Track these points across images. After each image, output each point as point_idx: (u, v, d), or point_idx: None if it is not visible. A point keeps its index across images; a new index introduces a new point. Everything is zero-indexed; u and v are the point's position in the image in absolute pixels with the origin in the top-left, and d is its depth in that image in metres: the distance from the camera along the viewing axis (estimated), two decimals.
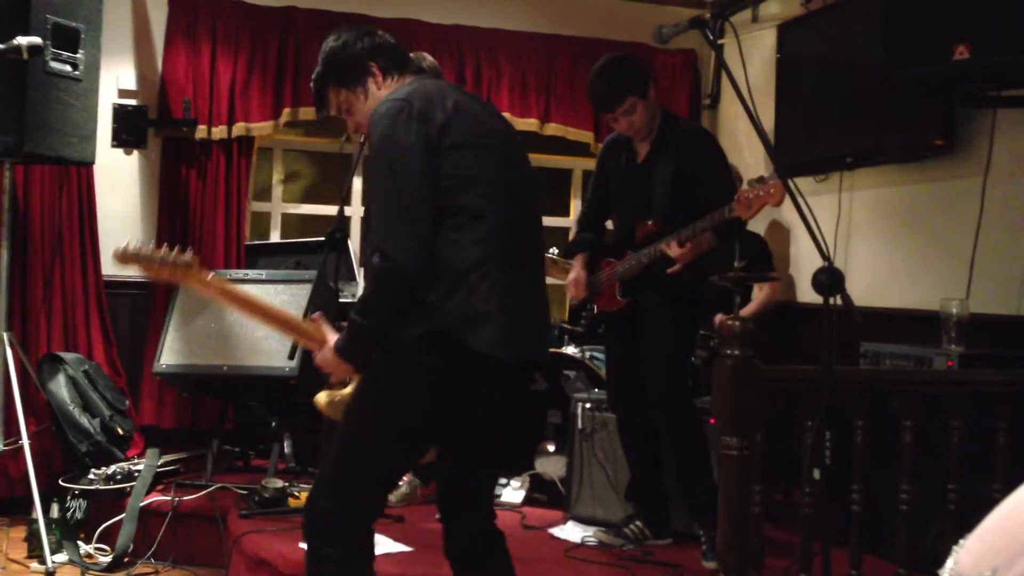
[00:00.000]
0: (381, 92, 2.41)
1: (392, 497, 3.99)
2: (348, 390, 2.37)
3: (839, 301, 2.39)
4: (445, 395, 2.22)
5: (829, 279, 2.36)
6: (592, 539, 3.57)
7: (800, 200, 2.47)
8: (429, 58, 3.89)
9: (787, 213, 4.81)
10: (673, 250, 3.31)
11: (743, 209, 3.09)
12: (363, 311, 2.20)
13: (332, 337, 2.27)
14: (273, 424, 4.39)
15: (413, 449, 2.40)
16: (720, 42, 4.86)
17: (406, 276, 2.13)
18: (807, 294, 4.66)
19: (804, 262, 4.75)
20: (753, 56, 4.95)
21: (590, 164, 5.70)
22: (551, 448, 4.27)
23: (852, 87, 4.14)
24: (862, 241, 4.38)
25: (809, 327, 2.86)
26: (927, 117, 3.79)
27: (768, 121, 4.48)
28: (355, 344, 2.23)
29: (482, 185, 2.22)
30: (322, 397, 2.42)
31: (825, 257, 2.40)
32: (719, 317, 3.86)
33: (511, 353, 2.21)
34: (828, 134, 4.32)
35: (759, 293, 4.65)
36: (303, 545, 3.23)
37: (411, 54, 3.89)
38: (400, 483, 4.11)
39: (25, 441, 3.98)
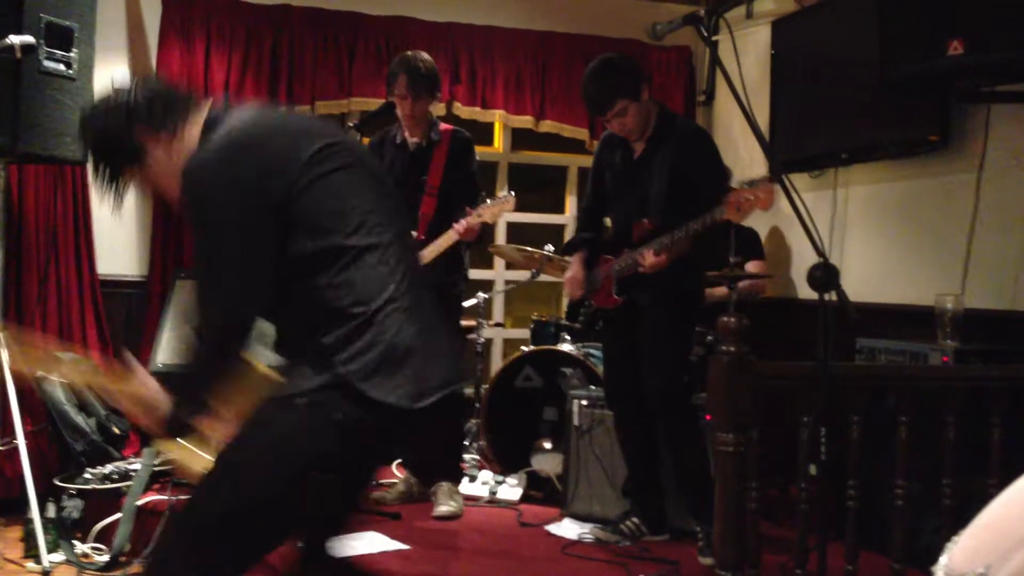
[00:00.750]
0: (181, 147, 1.97)
1: (388, 495, 4.00)
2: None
3: (834, 297, 2.40)
4: (354, 454, 1.90)
5: (824, 275, 2.36)
6: (589, 536, 3.57)
7: (795, 196, 2.47)
8: (425, 56, 3.90)
9: (782, 209, 4.81)
10: (647, 260, 3.33)
11: (732, 212, 3.09)
12: (180, 383, 1.99)
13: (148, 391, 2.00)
14: None
15: (299, 518, 1.98)
16: (714, 39, 4.86)
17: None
18: (803, 290, 4.67)
19: (799, 258, 4.75)
20: (747, 53, 4.95)
21: (585, 161, 5.71)
22: (548, 445, 4.28)
23: (847, 83, 4.15)
24: (857, 237, 4.39)
25: (805, 323, 2.87)
26: (922, 113, 3.80)
27: (763, 118, 4.47)
28: (175, 419, 1.97)
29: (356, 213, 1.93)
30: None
31: (820, 253, 2.40)
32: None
33: (431, 397, 1.89)
34: (823, 130, 4.33)
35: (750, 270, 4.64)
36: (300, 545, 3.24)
37: (408, 52, 3.92)
38: (396, 480, 4.11)
39: (21, 441, 3.97)
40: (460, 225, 3.73)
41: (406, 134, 3.94)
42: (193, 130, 1.98)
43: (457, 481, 4.03)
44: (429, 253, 3.78)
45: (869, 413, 2.65)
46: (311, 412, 1.84)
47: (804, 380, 2.51)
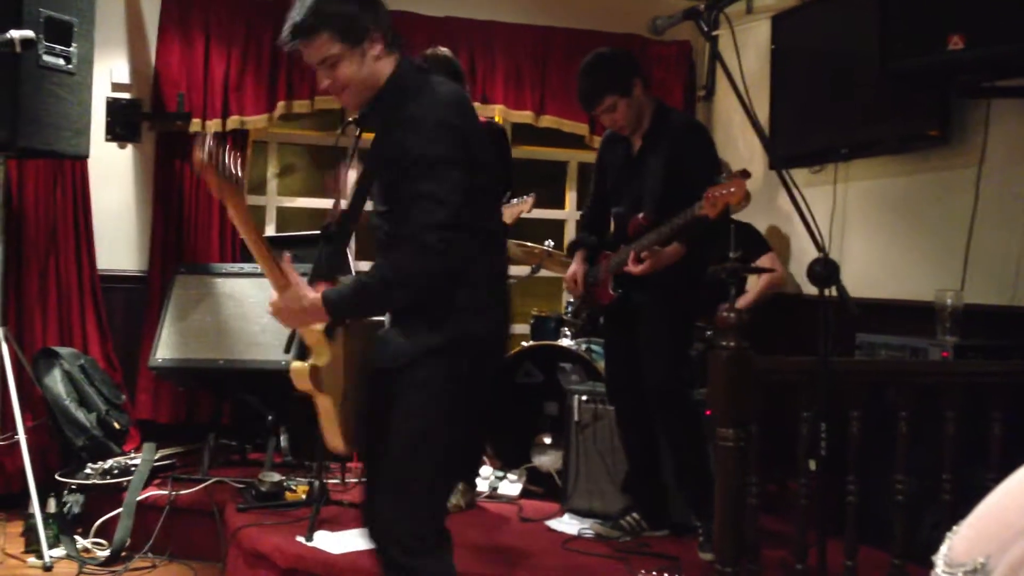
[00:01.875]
0: (378, 64, 2.31)
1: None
2: (321, 360, 2.25)
3: (834, 292, 2.40)
4: (477, 393, 2.34)
5: (824, 270, 2.37)
6: (589, 531, 3.57)
7: (795, 192, 2.47)
8: (444, 50, 3.87)
9: (782, 205, 4.82)
10: (632, 267, 3.34)
11: (709, 207, 3.08)
12: (394, 280, 2.18)
13: (300, 282, 2.23)
14: (269, 418, 4.39)
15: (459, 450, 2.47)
16: (714, 33, 4.83)
17: (445, 271, 2.19)
18: (802, 285, 4.67)
19: (800, 253, 4.75)
20: (748, 47, 4.94)
21: (585, 156, 5.72)
22: (548, 441, 4.28)
23: (847, 78, 4.15)
24: (857, 232, 4.39)
25: (804, 318, 2.87)
26: (922, 108, 3.80)
27: (763, 113, 4.47)
28: (355, 304, 2.22)
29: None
30: (299, 366, 2.26)
31: (820, 248, 2.40)
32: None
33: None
34: (823, 125, 4.32)
35: (758, 281, 4.65)
36: (300, 539, 3.24)
37: (428, 51, 3.90)
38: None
39: (21, 436, 3.97)
40: None
41: None
42: (386, 65, 2.32)
43: (468, 481, 4.00)
44: None
45: (869, 408, 2.66)
46: (450, 361, 2.25)
47: (804, 375, 2.52)
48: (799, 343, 4.48)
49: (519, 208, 3.77)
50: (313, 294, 2.21)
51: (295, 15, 2.28)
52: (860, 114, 4.07)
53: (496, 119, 5.60)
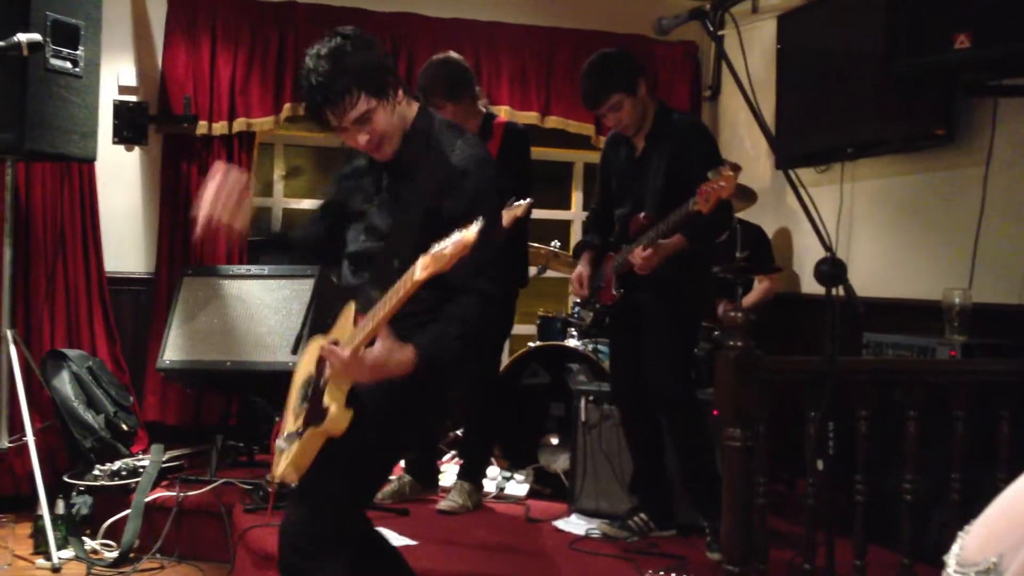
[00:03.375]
0: (402, 108, 2.32)
1: (380, 494, 4.00)
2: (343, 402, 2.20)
3: (841, 292, 2.39)
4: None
5: (831, 270, 2.36)
6: (596, 532, 3.57)
7: (802, 191, 2.47)
8: (434, 60, 3.88)
9: (789, 204, 4.81)
10: (635, 258, 3.34)
11: (702, 202, 3.09)
12: (465, 333, 2.18)
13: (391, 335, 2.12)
14: (276, 419, 4.39)
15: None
16: (720, 33, 4.84)
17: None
18: (809, 285, 4.66)
19: (806, 253, 4.75)
20: (753, 47, 4.94)
21: (591, 157, 5.71)
22: (555, 441, 4.28)
23: (853, 77, 4.14)
24: (864, 231, 4.38)
25: (811, 318, 2.87)
26: (928, 107, 3.79)
27: (769, 112, 4.47)
28: (438, 361, 2.16)
29: None
30: (347, 413, 2.18)
31: (827, 248, 2.40)
32: (722, 307, 3.88)
33: None
34: (829, 125, 4.32)
35: (759, 284, 4.66)
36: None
37: (436, 57, 3.90)
38: (391, 480, 4.11)
39: (30, 438, 3.99)
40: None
41: None
42: (411, 109, 2.37)
43: (475, 482, 4.00)
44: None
45: (877, 408, 2.65)
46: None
47: (811, 375, 2.51)
48: (804, 343, 4.48)
49: (513, 212, 3.73)
50: (407, 351, 2.12)
51: (317, 77, 2.20)
52: (866, 113, 4.06)
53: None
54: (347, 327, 2.23)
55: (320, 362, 2.27)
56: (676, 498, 3.60)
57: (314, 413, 2.21)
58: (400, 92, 2.31)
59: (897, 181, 4.24)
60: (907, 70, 3.34)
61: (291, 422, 2.37)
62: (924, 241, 4.07)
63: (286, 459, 2.27)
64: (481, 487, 4.02)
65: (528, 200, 3.69)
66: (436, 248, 1.95)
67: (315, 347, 2.37)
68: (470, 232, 1.93)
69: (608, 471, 3.84)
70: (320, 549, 2.25)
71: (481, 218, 2.00)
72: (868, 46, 3.79)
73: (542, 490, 4.18)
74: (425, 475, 4.09)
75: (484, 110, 4.00)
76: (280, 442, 2.35)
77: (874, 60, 3.63)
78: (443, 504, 3.83)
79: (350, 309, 2.27)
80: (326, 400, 2.18)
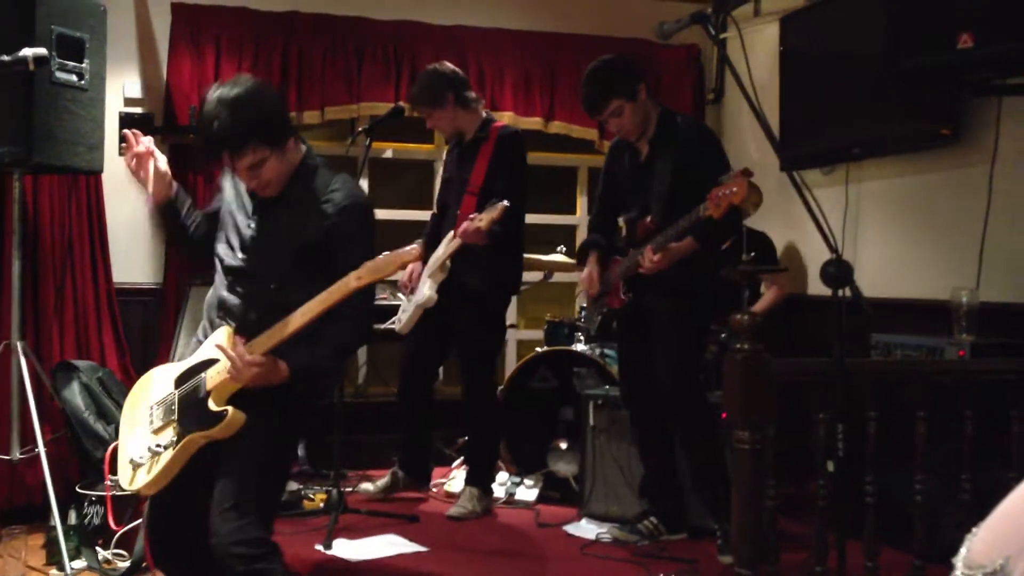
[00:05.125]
0: (290, 154, 2.53)
1: (372, 488, 4.03)
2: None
3: (848, 293, 2.40)
4: None
5: (838, 271, 2.37)
6: (607, 536, 3.58)
7: (807, 193, 2.48)
8: (429, 69, 3.94)
9: (794, 207, 4.81)
10: (645, 261, 3.35)
11: (713, 208, 3.10)
12: (336, 355, 2.55)
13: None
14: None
15: None
16: (722, 36, 4.85)
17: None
18: (816, 286, 4.66)
19: (812, 255, 4.75)
20: (756, 50, 4.95)
21: (595, 161, 5.72)
22: (563, 446, 4.28)
23: (856, 78, 4.14)
24: (870, 232, 4.38)
25: (818, 319, 2.87)
26: (933, 107, 3.79)
27: (773, 115, 4.47)
28: (309, 376, 2.47)
29: None
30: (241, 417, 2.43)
31: (833, 249, 2.40)
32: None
33: None
34: (834, 126, 4.32)
35: (767, 293, 4.65)
36: (319, 547, 3.26)
37: (431, 67, 3.96)
38: (385, 476, 4.15)
39: (41, 449, 4.00)
40: (459, 229, 3.74)
41: (464, 133, 4.01)
42: (298, 152, 2.57)
43: (483, 487, 4.01)
44: (436, 259, 3.80)
45: (886, 408, 2.65)
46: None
47: (820, 377, 2.51)
48: (813, 344, 4.48)
49: (490, 213, 3.67)
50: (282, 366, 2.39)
51: (218, 124, 2.38)
52: (871, 114, 4.06)
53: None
54: (224, 345, 2.41)
55: (184, 378, 2.50)
56: (687, 501, 3.60)
57: (199, 419, 2.41)
58: (292, 140, 2.53)
59: (903, 181, 4.24)
60: (910, 70, 3.34)
61: (146, 436, 2.52)
62: (931, 241, 4.06)
63: (150, 471, 2.46)
64: (490, 491, 4.03)
65: (504, 203, 3.63)
66: (371, 263, 2.28)
67: (160, 371, 2.63)
68: (405, 251, 2.28)
69: (618, 475, 3.84)
70: (264, 549, 2.40)
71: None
72: (871, 47, 3.80)
73: (552, 495, 4.18)
74: (415, 470, 4.12)
75: (484, 115, 4.02)
76: (135, 457, 2.51)
77: (878, 60, 3.63)
78: (453, 510, 3.84)
79: (222, 331, 2.48)
80: (215, 406, 2.40)
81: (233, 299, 2.54)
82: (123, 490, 4.10)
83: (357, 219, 2.51)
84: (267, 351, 2.36)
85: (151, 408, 2.56)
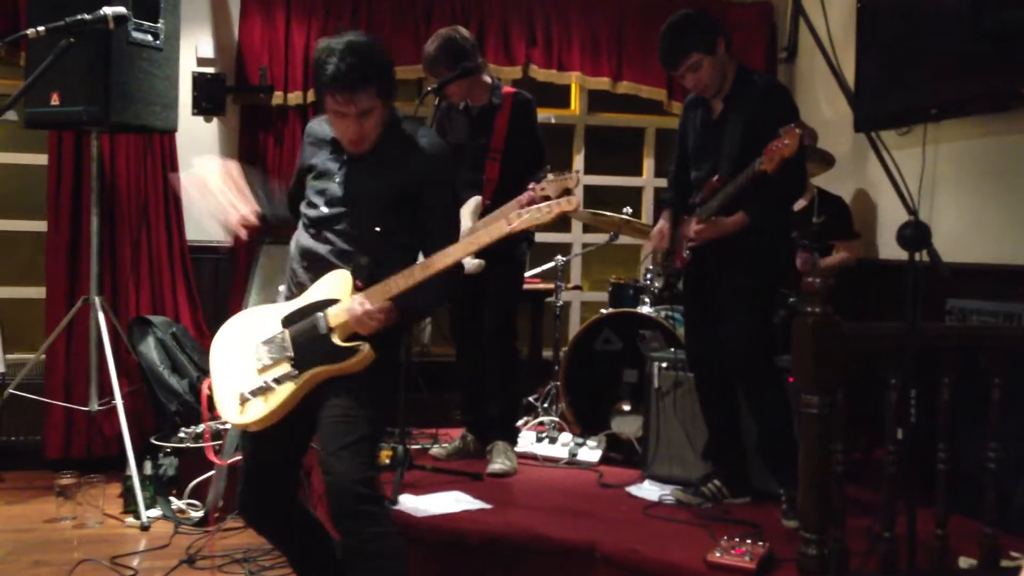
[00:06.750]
0: (387, 113, 2.65)
1: (443, 451, 4.09)
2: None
3: (926, 257, 2.34)
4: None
5: (915, 233, 2.31)
6: (669, 498, 3.57)
7: (884, 153, 2.42)
8: (441, 33, 3.90)
9: (869, 168, 4.70)
10: (692, 228, 3.35)
11: (768, 162, 3.10)
12: (438, 299, 2.68)
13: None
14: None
15: None
16: None
17: None
18: (890, 250, 4.56)
19: (887, 218, 4.64)
20: (831, 6, 4.80)
21: (663, 122, 5.65)
22: (627, 408, 4.28)
23: (937, 35, 3.99)
24: (947, 195, 4.26)
25: (891, 284, 2.81)
26: (1016, 65, 3.65)
27: (848, 74, 4.35)
28: (412, 315, 2.68)
29: None
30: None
31: (911, 211, 2.35)
32: (800, 259, 3.83)
33: None
34: (912, 86, 4.19)
35: (836, 253, 4.56)
36: (386, 502, 3.32)
37: (443, 31, 3.93)
38: (454, 439, 4.20)
39: (119, 401, 4.14)
40: (523, 198, 3.76)
41: (468, 100, 3.99)
42: (388, 114, 2.66)
43: (512, 440, 4.07)
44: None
45: (960, 375, 2.59)
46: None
47: (893, 341, 2.47)
48: (883, 310, 4.39)
49: (563, 183, 3.70)
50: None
51: (346, 62, 2.49)
52: (951, 73, 3.93)
53: (572, 86, 5.59)
54: (341, 288, 2.57)
55: (293, 318, 2.59)
56: (751, 465, 3.57)
57: (324, 354, 2.52)
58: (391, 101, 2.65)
59: (982, 143, 4.11)
60: (994, 25, 3.22)
61: (253, 374, 2.59)
62: (1010, 204, 3.94)
63: (267, 403, 2.54)
64: (515, 440, 4.13)
65: (575, 173, 3.76)
66: (525, 212, 2.54)
67: (255, 313, 2.71)
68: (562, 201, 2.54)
69: (681, 437, 3.83)
70: (374, 490, 2.50)
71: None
72: (952, 2, 3.66)
73: (615, 456, 4.19)
74: (480, 430, 4.15)
75: (490, 80, 4.00)
76: (245, 392, 2.57)
77: (959, 16, 3.51)
78: (495, 467, 3.87)
79: (339, 274, 2.59)
80: (340, 342, 2.52)
81: (320, 247, 2.64)
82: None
83: (444, 165, 2.71)
84: (388, 299, 2.52)
85: (257, 347, 2.61)
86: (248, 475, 2.68)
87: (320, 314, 2.56)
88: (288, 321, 2.61)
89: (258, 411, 2.55)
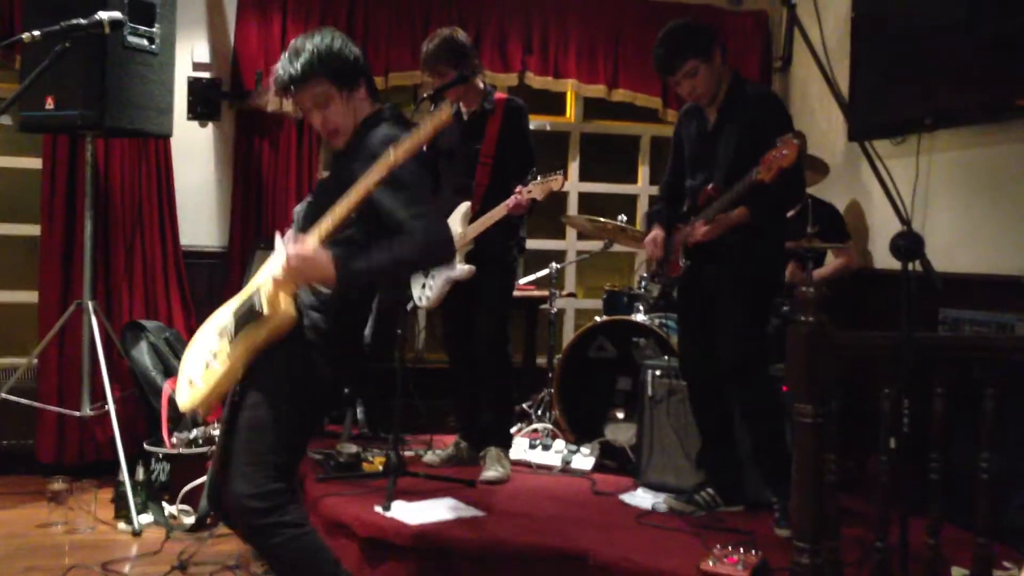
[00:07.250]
0: (360, 105, 2.59)
1: (435, 458, 4.08)
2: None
3: (918, 266, 2.34)
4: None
5: (908, 243, 2.31)
6: (663, 506, 3.57)
7: (877, 162, 2.42)
8: (440, 33, 3.91)
9: (863, 177, 4.71)
10: (697, 229, 3.36)
11: (765, 171, 3.09)
12: (391, 263, 2.42)
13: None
14: (346, 391, 4.46)
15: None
16: (793, 1, 4.75)
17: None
18: (883, 260, 4.57)
19: (880, 228, 4.64)
20: (827, 16, 4.81)
21: (658, 130, 5.66)
22: (621, 415, 4.28)
23: (931, 45, 4.01)
24: (941, 205, 4.27)
25: (884, 294, 2.82)
26: (1010, 75, 3.66)
27: (842, 83, 4.37)
28: (361, 278, 2.43)
29: None
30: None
31: (904, 221, 2.35)
32: (791, 270, 3.83)
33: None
34: (906, 95, 4.20)
35: (834, 260, 4.57)
36: (378, 509, 3.31)
37: (442, 30, 3.94)
38: (447, 446, 4.19)
39: (111, 406, 4.13)
40: (510, 201, 3.85)
41: (460, 105, 4.00)
42: (364, 104, 2.60)
43: (506, 448, 4.07)
44: (479, 225, 3.86)
45: (954, 385, 2.59)
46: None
47: (887, 351, 2.47)
48: (877, 319, 4.39)
49: (548, 184, 3.82)
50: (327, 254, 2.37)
51: (290, 55, 2.51)
52: (945, 83, 3.94)
53: (568, 93, 5.60)
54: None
55: (241, 305, 2.55)
56: (744, 473, 3.57)
57: (253, 316, 2.46)
58: (363, 90, 2.59)
59: (976, 153, 4.12)
60: (989, 36, 3.23)
61: (201, 360, 2.58)
62: (1004, 215, 3.95)
63: (203, 386, 2.53)
64: (508, 447, 4.11)
65: (561, 172, 3.86)
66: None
67: (218, 311, 2.66)
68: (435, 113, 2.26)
69: (675, 445, 3.83)
70: (276, 501, 2.43)
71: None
72: (948, 12, 3.68)
73: (608, 464, 4.19)
74: (478, 440, 4.14)
75: (483, 85, 4.01)
76: (193, 377, 2.58)
77: (954, 26, 3.52)
78: (489, 474, 3.86)
79: (281, 250, 2.44)
80: (262, 306, 2.44)
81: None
82: (187, 449, 4.25)
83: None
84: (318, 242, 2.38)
85: (211, 336, 2.62)
86: (213, 471, 2.65)
87: (256, 290, 2.51)
88: (237, 308, 2.60)
89: (198, 391, 2.55)
